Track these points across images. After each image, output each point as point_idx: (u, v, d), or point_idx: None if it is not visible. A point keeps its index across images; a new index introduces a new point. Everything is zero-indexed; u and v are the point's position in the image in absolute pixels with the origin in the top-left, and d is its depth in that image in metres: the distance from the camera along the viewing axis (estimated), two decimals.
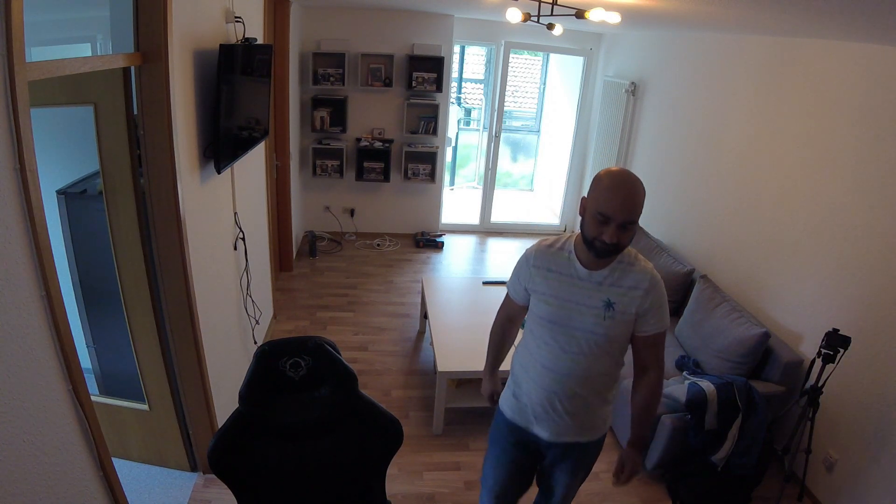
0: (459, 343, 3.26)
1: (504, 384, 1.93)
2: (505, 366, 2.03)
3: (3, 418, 1.27)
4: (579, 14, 2.54)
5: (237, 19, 2.73)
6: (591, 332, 1.60)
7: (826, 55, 2.87)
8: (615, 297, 1.58)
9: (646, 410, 1.71)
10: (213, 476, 2.17)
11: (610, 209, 1.44)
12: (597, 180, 1.51)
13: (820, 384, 2.50)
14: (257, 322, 3.42)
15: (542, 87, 7.67)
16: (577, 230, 1.62)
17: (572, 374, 1.65)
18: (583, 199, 1.55)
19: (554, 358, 1.66)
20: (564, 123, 6.71)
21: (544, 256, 1.66)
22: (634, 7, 2.63)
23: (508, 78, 5.91)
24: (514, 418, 1.83)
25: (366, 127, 5.62)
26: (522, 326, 1.86)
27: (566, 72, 6.99)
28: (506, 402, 1.87)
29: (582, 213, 1.55)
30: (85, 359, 2.47)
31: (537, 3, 2.66)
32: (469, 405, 3.20)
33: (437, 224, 6.11)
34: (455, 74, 6.87)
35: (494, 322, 1.93)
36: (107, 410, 2.51)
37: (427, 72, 5.35)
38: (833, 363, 2.42)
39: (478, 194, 6.57)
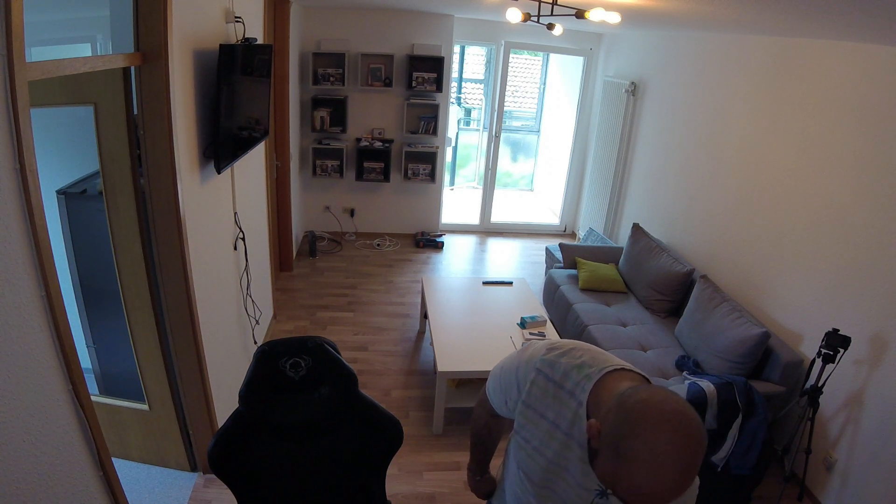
0: (459, 343, 3.26)
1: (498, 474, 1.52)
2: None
3: (3, 418, 1.27)
4: (579, 14, 2.54)
5: (237, 19, 2.73)
6: None
7: (826, 55, 2.87)
8: None
9: None
10: (213, 476, 2.17)
11: (634, 499, 0.90)
12: (625, 442, 0.88)
13: (820, 384, 2.50)
14: (257, 322, 3.42)
15: (542, 87, 7.67)
16: (602, 366, 1.08)
17: None
18: (592, 423, 0.97)
19: None
20: (564, 123, 6.72)
21: (544, 398, 1.13)
22: (634, 7, 2.63)
23: (508, 78, 5.91)
24: None
25: (366, 127, 5.62)
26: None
27: (566, 72, 6.99)
28: None
29: (594, 440, 0.97)
30: (85, 359, 2.47)
31: (537, 3, 2.66)
32: (469, 405, 3.20)
33: (437, 224, 6.11)
34: (455, 74, 6.87)
35: (475, 419, 1.48)
36: (107, 410, 2.51)
37: (427, 72, 5.35)
38: (833, 363, 2.43)
39: (478, 194, 6.57)
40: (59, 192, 2.41)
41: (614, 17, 2.74)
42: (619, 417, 0.90)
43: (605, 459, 0.92)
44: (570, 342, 1.17)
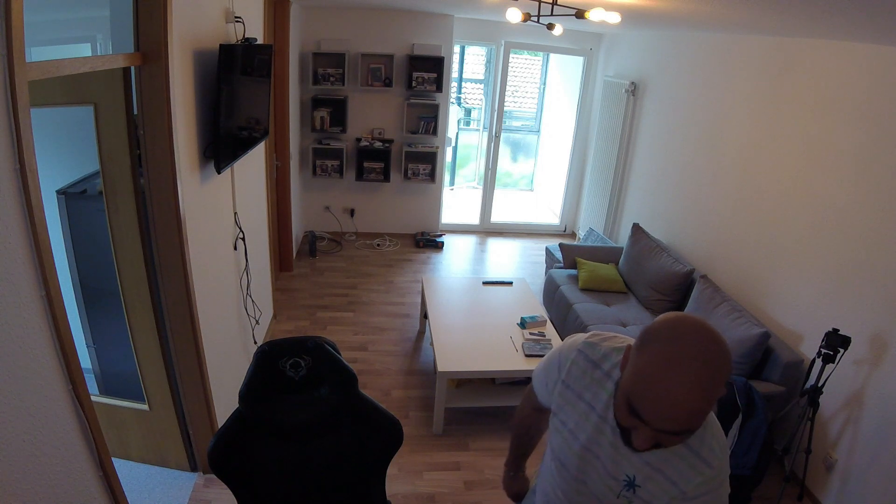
0: (459, 343, 3.26)
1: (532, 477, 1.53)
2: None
3: (3, 418, 1.27)
4: (579, 14, 2.54)
5: (237, 19, 2.73)
6: (601, 502, 1.15)
7: (826, 55, 2.87)
8: (644, 477, 1.06)
9: None
10: (213, 476, 2.17)
11: (648, 412, 0.90)
12: (646, 342, 0.92)
13: (820, 384, 2.50)
14: (257, 322, 3.42)
15: (542, 87, 7.67)
16: None
17: None
18: (628, 347, 1.01)
19: None
20: (564, 123, 6.71)
21: (582, 378, 1.14)
22: (634, 7, 2.63)
23: (508, 78, 5.91)
24: None
25: (366, 127, 5.61)
26: None
27: (566, 72, 6.99)
28: None
29: (622, 369, 1.01)
30: (85, 359, 2.47)
31: (537, 3, 2.66)
32: (469, 405, 3.20)
33: (437, 224, 6.11)
34: (455, 74, 6.86)
35: (518, 411, 1.52)
36: (107, 410, 2.51)
37: (427, 72, 5.35)
38: (833, 363, 2.42)
39: (478, 194, 6.57)
40: (59, 192, 2.41)
41: (614, 17, 2.74)
42: (645, 334, 0.95)
43: (627, 372, 0.95)
44: (614, 333, 1.21)
